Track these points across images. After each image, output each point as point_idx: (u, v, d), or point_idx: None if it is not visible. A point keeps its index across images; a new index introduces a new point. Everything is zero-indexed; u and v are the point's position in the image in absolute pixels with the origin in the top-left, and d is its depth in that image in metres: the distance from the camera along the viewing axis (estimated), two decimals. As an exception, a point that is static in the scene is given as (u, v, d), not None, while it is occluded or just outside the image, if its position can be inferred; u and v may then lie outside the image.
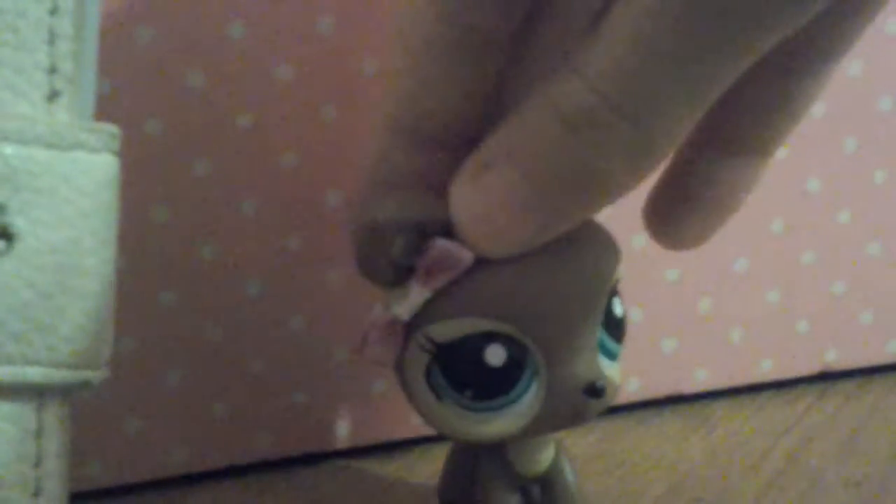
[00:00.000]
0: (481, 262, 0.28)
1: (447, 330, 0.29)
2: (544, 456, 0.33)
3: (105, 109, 0.34)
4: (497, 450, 0.33)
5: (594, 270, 0.29)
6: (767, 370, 0.43)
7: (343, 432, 0.40)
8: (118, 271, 0.35)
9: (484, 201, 0.27)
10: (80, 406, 0.36)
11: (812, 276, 0.42)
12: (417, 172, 0.29)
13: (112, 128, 0.25)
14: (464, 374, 0.29)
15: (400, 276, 0.29)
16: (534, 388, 0.29)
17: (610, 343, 0.30)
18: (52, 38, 0.24)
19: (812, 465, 0.38)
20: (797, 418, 0.42)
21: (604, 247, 0.30)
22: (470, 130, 0.28)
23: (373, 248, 0.29)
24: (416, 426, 0.41)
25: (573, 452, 0.35)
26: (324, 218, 0.37)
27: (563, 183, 0.26)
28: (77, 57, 0.24)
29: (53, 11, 0.24)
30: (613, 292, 0.30)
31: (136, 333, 0.36)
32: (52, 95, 0.24)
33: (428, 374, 0.30)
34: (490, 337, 0.29)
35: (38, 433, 0.24)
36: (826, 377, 0.45)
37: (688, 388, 0.43)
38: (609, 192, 0.26)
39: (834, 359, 0.44)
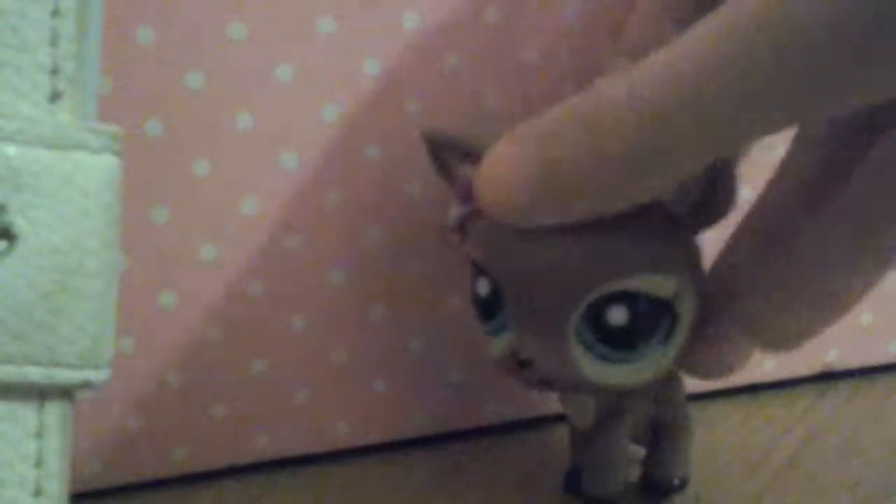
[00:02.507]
0: None
1: (469, 250, 0.32)
2: (581, 412, 0.34)
3: (105, 109, 0.34)
4: None
5: (584, 264, 0.29)
6: (767, 370, 0.43)
7: (343, 432, 0.40)
8: (119, 272, 0.35)
9: (499, 167, 0.28)
10: (80, 406, 0.36)
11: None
12: None
13: (113, 128, 0.25)
14: (471, 293, 0.32)
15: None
16: (504, 335, 0.31)
17: (601, 347, 0.30)
18: (53, 39, 0.24)
19: (812, 465, 0.38)
20: (797, 418, 0.42)
21: (612, 251, 0.30)
22: None
23: (431, 155, 0.33)
24: (416, 426, 0.41)
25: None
26: (324, 218, 0.37)
27: (567, 176, 0.27)
28: (79, 58, 0.24)
29: (55, 12, 0.24)
30: (613, 298, 0.30)
31: (136, 333, 0.36)
32: (54, 96, 0.24)
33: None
34: (482, 268, 0.31)
35: (39, 433, 0.24)
36: (826, 377, 0.45)
37: (688, 388, 0.43)
38: (605, 199, 0.27)
39: (834, 359, 0.44)
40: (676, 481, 0.36)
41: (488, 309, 0.31)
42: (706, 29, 0.24)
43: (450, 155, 0.32)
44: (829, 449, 0.40)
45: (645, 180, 0.26)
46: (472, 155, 0.31)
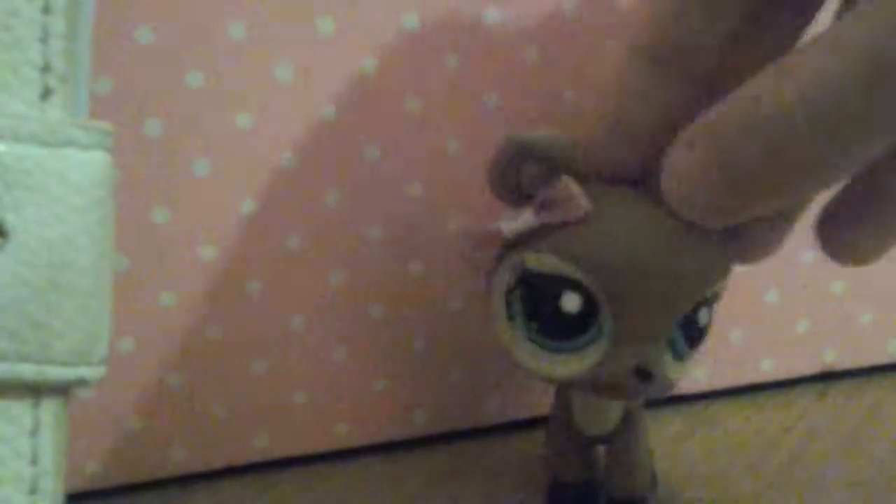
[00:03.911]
0: (595, 214, 0.30)
1: (540, 262, 0.30)
2: (607, 417, 0.34)
3: (105, 109, 0.34)
4: (565, 406, 0.35)
5: (689, 273, 0.30)
6: (767, 370, 0.43)
7: (344, 432, 0.40)
8: (118, 271, 0.35)
9: (682, 172, 0.28)
10: (80, 406, 0.36)
11: (812, 276, 0.42)
12: (656, 103, 0.30)
13: (105, 125, 0.25)
14: (538, 307, 0.31)
15: (520, 198, 0.31)
16: (594, 348, 0.30)
17: (681, 344, 0.31)
18: (45, 37, 0.24)
19: (812, 465, 0.38)
20: (797, 418, 0.42)
21: (713, 257, 0.30)
22: (713, 67, 0.29)
23: (510, 161, 0.31)
24: (416, 426, 0.41)
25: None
26: (324, 218, 0.37)
27: (748, 177, 0.27)
28: (70, 55, 0.24)
29: (46, 10, 0.24)
30: (704, 301, 0.30)
31: (136, 333, 0.36)
32: (46, 93, 0.24)
33: (508, 292, 0.31)
34: (573, 284, 0.30)
35: (34, 430, 0.24)
36: (826, 377, 0.45)
37: (688, 388, 0.43)
38: (790, 195, 0.27)
39: (834, 359, 0.44)
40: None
41: (577, 325, 0.30)
42: (871, 32, 0.24)
43: (534, 164, 0.31)
44: (829, 449, 0.40)
45: (812, 185, 0.27)
46: (560, 165, 0.30)
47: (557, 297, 0.30)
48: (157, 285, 0.36)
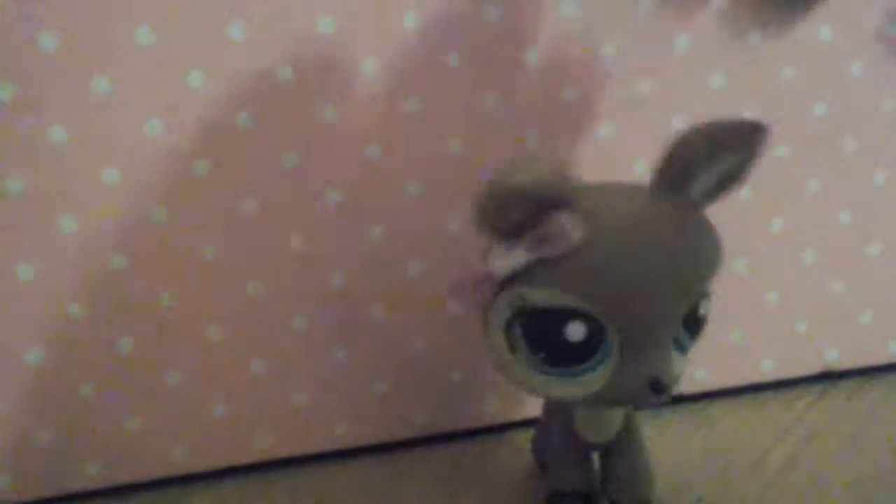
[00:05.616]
0: (587, 244, 0.30)
1: (541, 296, 0.30)
2: (610, 424, 0.35)
3: (105, 109, 0.34)
4: (565, 415, 0.35)
5: (689, 276, 0.30)
6: (767, 370, 0.43)
7: (343, 432, 0.40)
8: (118, 270, 0.35)
9: None
10: (80, 406, 0.36)
11: (812, 276, 0.42)
12: None
13: None
14: (543, 339, 0.31)
15: (510, 236, 0.31)
16: (602, 368, 0.30)
17: (685, 338, 0.31)
18: None
19: (812, 465, 0.38)
20: (797, 418, 0.42)
21: (707, 254, 0.30)
22: None
23: (499, 206, 0.30)
24: (416, 426, 0.41)
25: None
26: (324, 218, 0.37)
27: None
28: None
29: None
30: (704, 293, 0.31)
31: (135, 333, 0.36)
32: None
33: (507, 327, 0.31)
34: (575, 314, 0.30)
35: None
36: (826, 377, 0.45)
37: (688, 388, 0.43)
38: None
39: (834, 359, 0.44)
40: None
41: (585, 350, 0.30)
42: None
43: (522, 205, 0.31)
44: (829, 449, 0.40)
45: None
46: (548, 203, 0.30)
47: (562, 327, 0.30)
48: (157, 285, 0.36)
